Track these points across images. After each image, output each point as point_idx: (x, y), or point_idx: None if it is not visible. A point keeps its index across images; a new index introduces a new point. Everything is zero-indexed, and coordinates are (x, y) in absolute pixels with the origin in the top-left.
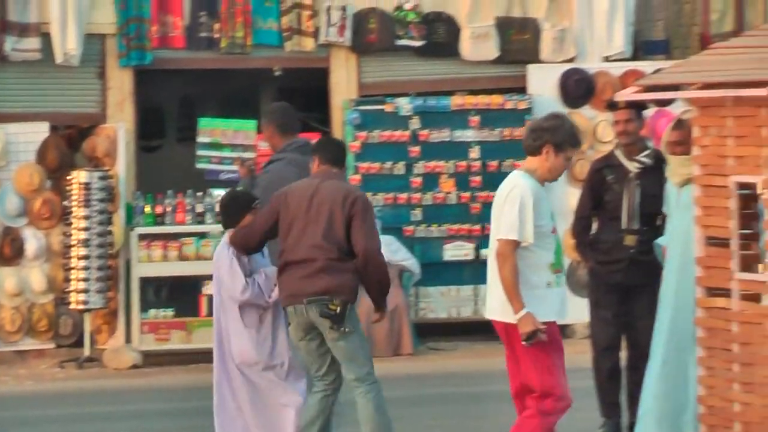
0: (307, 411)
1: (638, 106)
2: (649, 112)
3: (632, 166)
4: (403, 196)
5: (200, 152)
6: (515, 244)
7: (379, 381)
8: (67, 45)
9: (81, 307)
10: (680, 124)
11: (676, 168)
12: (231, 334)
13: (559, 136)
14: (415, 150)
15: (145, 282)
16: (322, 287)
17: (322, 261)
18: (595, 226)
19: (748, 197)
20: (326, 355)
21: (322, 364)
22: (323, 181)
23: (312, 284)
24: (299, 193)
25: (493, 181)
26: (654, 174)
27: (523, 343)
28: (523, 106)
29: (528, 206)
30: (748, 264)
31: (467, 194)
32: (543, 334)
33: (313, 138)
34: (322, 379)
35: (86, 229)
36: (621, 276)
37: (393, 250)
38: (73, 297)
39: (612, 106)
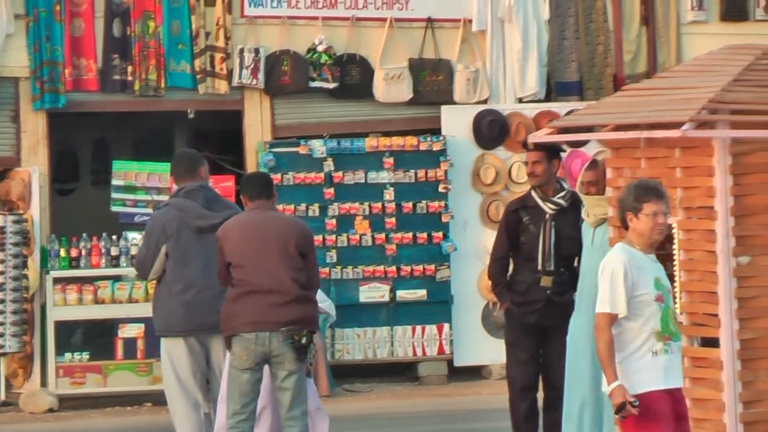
0: None
1: (552, 148)
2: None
3: (548, 207)
4: (318, 238)
5: (115, 195)
6: (610, 317)
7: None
8: None
9: None
10: (594, 165)
11: (590, 208)
12: None
13: (629, 200)
14: (330, 192)
15: (61, 325)
16: (293, 317)
17: (294, 292)
18: (512, 268)
19: (665, 239)
20: (257, 391)
21: (254, 398)
22: (263, 212)
23: (283, 314)
24: (239, 227)
25: (408, 222)
26: (570, 215)
27: (615, 415)
28: (437, 147)
29: (618, 277)
30: None
31: (382, 236)
32: (634, 407)
33: (226, 180)
34: (241, 412)
35: (1, 273)
36: (537, 317)
37: None
38: None
39: (524, 146)
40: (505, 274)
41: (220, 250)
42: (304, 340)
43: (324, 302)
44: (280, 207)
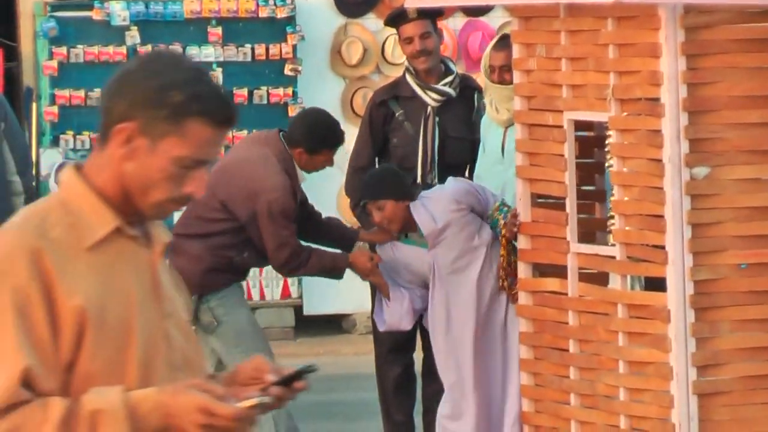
0: None
1: (434, 15)
2: (456, 23)
3: (430, 98)
4: None
5: None
6: None
7: None
8: None
9: None
10: (506, 42)
11: (501, 102)
12: None
13: None
14: None
15: None
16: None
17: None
18: None
19: (589, 141)
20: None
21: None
22: (254, 144)
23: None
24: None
25: (242, 116)
26: (459, 108)
27: None
28: (282, 14)
29: None
30: (590, 233)
31: None
32: None
33: None
34: None
35: None
36: None
37: None
38: None
39: (397, 18)
40: None
41: None
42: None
43: None
44: (65, 93)
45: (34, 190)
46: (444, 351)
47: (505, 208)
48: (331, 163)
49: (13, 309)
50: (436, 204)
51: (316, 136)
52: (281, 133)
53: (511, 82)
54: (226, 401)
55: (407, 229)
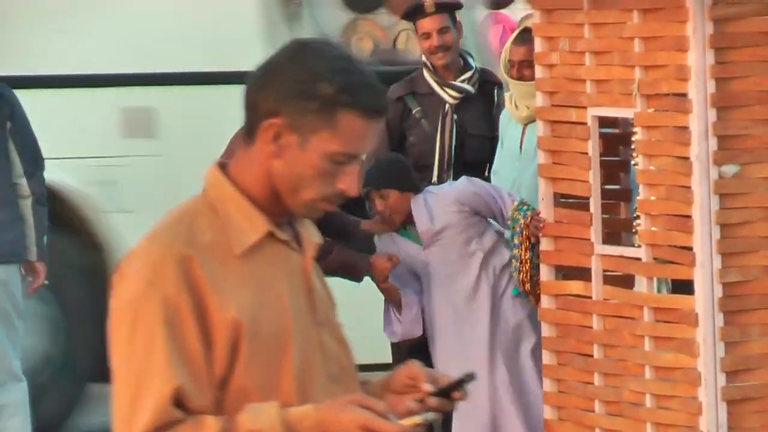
0: None
1: (452, 8)
2: (477, 15)
3: (448, 95)
4: None
5: None
6: None
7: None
8: None
9: None
10: (527, 37)
11: (521, 98)
12: None
13: None
14: None
15: None
16: None
17: None
18: None
19: (614, 139)
20: None
21: None
22: None
23: None
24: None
25: None
26: (478, 105)
27: None
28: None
29: None
30: (614, 233)
31: None
32: None
33: None
34: None
35: None
36: None
37: None
38: None
39: (414, 12)
40: None
41: None
42: None
43: None
44: None
45: (44, 192)
46: (439, 356)
47: (525, 207)
48: None
49: (162, 322)
50: (438, 202)
51: None
52: None
53: (531, 78)
54: (387, 417)
55: (409, 222)
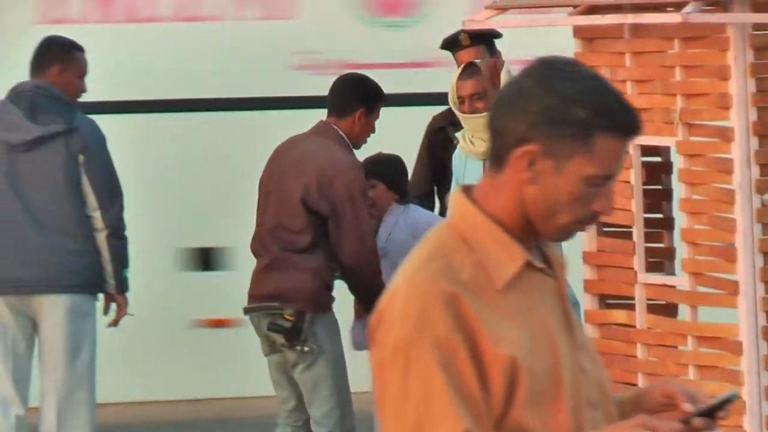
0: None
1: (490, 36)
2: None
3: None
4: None
5: None
6: None
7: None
8: None
9: None
10: (473, 70)
11: (475, 132)
12: None
13: None
14: None
15: None
16: (269, 290)
17: (273, 253)
18: (439, 211)
19: (656, 167)
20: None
21: (294, 390)
22: (304, 139)
23: (261, 284)
24: (274, 156)
25: None
26: None
27: None
28: None
29: None
30: (657, 262)
31: None
32: None
33: None
34: (290, 414)
35: None
36: None
37: None
38: None
39: (451, 44)
40: None
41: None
42: (294, 322)
43: None
44: None
45: (119, 225)
46: None
47: None
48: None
49: (439, 365)
50: (406, 220)
51: (370, 88)
52: (323, 122)
53: (485, 110)
54: None
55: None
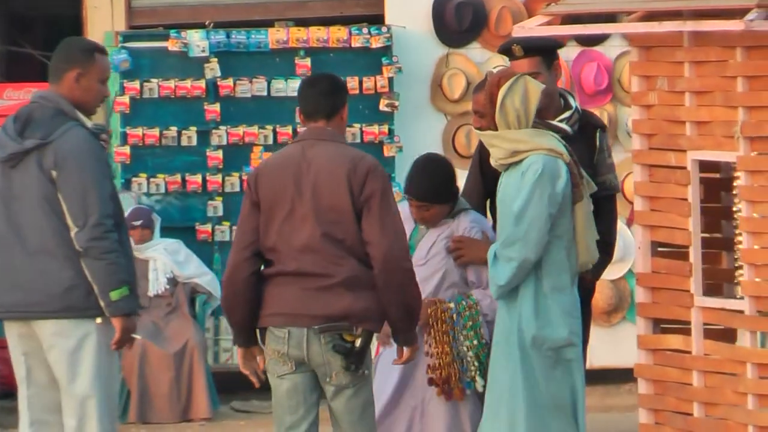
0: None
1: (548, 46)
2: (569, 54)
3: None
4: (196, 179)
5: None
6: None
7: None
8: None
9: None
10: (481, 85)
11: (488, 145)
12: None
13: None
14: (214, 109)
15: None
16: (339, 309)
17: (344, 271)
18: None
19: (716, 184)
20: (315, 406)
21: (304, 415)
22: (313, 144)
23: (324, 303)
24: (277, 169)
25: None
26: (579, 147)
27: None
28: (378, 43)
29: None
30: (715, 284)
31: None
32: None
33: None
34: None
35: None
36: None
37: (180, 262)
38: None
39: (506, 52)
40: None
41: (243, 202)
42: (358, 343)
43: (203, 276)
44: (137, 132)
45: (93, 246)
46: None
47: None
48: None
49: None
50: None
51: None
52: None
53: (487, 128)
54: None
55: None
